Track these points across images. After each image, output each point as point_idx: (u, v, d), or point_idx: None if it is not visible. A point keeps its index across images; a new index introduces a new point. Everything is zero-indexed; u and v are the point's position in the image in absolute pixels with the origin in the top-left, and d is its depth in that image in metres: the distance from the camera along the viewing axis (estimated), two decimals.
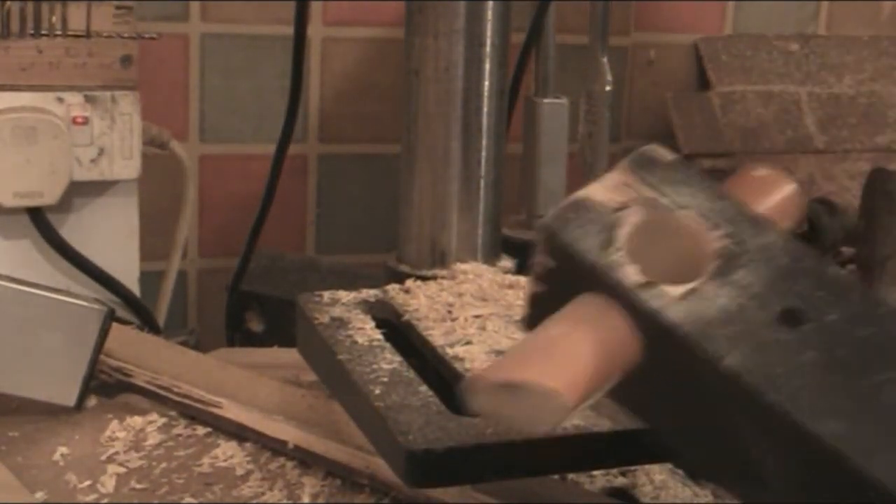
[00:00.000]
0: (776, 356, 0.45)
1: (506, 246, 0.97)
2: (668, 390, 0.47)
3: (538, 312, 0.49)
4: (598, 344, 0.46)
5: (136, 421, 0.81)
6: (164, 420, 0.81)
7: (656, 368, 0.46)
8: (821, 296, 0.47)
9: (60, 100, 0.97)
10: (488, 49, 0.90)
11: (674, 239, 0.50)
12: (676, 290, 0.47)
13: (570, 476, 0.74)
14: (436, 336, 0.72)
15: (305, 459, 0.76)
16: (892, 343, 0.46)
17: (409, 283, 0.80)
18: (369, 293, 0.79)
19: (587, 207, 0.50)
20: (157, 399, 0.83)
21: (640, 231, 0.49)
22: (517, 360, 0.46)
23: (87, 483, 0.73)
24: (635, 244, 0.49)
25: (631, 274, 0.47)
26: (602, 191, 0.50)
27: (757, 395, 0.44)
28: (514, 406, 0.45)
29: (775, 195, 0.53)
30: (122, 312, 1.00)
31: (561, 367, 0.45)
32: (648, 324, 0.46)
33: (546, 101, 1.13)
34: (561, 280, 0.49)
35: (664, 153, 0.52)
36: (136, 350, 0.86)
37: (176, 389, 0.82)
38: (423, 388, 0.65)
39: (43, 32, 0.97)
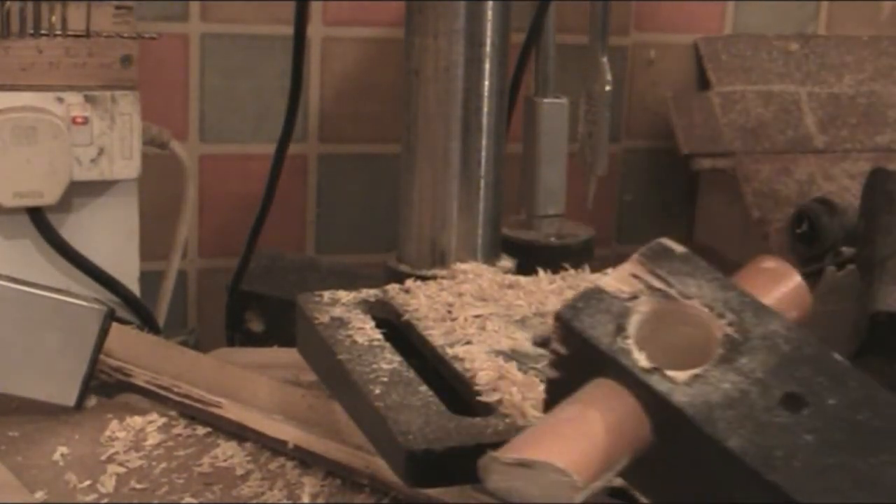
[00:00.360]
0: (777, 438, 0.47)
1: (506, 246, 0.97)
2: (675, 470, 0.50)
3: (554, 397, 0.52)
4: (608, 426, 0.48)
5: (136, 421, 0.81)
6: (164, 420, 0.82)
7: (664, 449, 0.49)
8: (821, 382, 0.49)
9: (60, 100, 0.97)
10: (488, 49, 0.90)
11: (681, 327, 0.53)
12: (683, 375, 0.50)
13: None
14: (436, 336, 0.72)
15: (305, 459, 0.76)
16: (889, 427, 0.48)
17: (409, 283, 0.80)
18: (369, 293, 0.79)
19: (599, 297, 0.53)
20: (157, 399, 0.83)
21: (649, 320, 0.53)
22: (530, 440, 0.48)
23: (87, 483, 0.73)
24: (644, 332, 0.52)
25: (640, 360, 0.50)
26: (613, 282, 0.54)
27: (757, 475, 0.46)
28: (526, 484, 0.47)
29: (781, 287, 0.57)
30: (122, 312, 1.00)
31: (572, 448, 0.47)
32: (656, 407, 0.49)
33: (546, 101, 1.13)
34: (575, 366, 0.53)
35: (674, 247, 0.56)
36: (136, 350, 0.86)
37: (176, 389, 0.82)
38: (423, 388, 0.65)
39: (43, 32, 0.97)
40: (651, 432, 0.49)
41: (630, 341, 0.51)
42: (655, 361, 0.50)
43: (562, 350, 0.53)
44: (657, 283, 0.54)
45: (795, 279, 0.58)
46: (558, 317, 0.53)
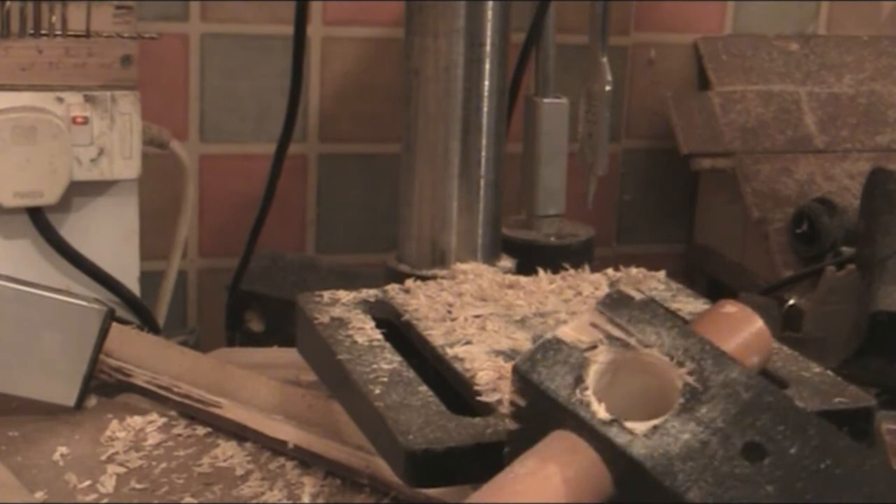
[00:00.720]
0: (737, 490, 0.47)
1: (506, 246, 0.97)
2: None
3: (514, 450, 0.53)
4: (567, 479, 0.48)
5: (136, 421, 0.81)
6: (164, 420, 0.82)
7: (624, 501, 0.49)
8: (781, 430, 0.49)
9: (60, 100, 0.97)
10: (488, 49, 0.90)
11: (640, 377, 0.53)
12: (642, 426, 0.50)
13: None
14: (436, 336, 0.72)
15: (305, 459, 0.76)
16: (850, 475, 0.48)
17: (409, 283, 0.80)
18: (369, 293, 0.79)
19: (557, 348, 0.53)
20: (157, 399, 0.83)
21: (607, 370, 0.53)
22: (488, 496, 0.48)
23: (87, 483, 0.73)
24: (603, 383, 0.52)
25: (599, 412, 0.50)
26: (572, 332, 0.54)
27: None
28: None
29: (743, 332, 0.57)
30: (122, 312, 1.00)
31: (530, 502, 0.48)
32: (616, 460, 0.49)
33: (546, 100, 1.13)
34: (534, 418, 0.53)
35: (633, 294, 0.56)
36: (136, 350, 0.86)
37: (176, 389, 0.82)
38: (423, 388, 0.65)
39: (43, 32, 0.97)
40: (611, 484, 0.49)
41: (588, 393, 0.51)
42: (615, 412, 0.50)
43: (520, 402, 0.53)
44: (616, 333, 0.54)
45: (757, 324, 0.57)
46: (516, 369, 0.53)
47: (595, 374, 0.52)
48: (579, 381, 0.52)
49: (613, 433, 0.49)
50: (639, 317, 0.55)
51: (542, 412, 0.52)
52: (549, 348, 0.53)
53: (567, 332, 0.54)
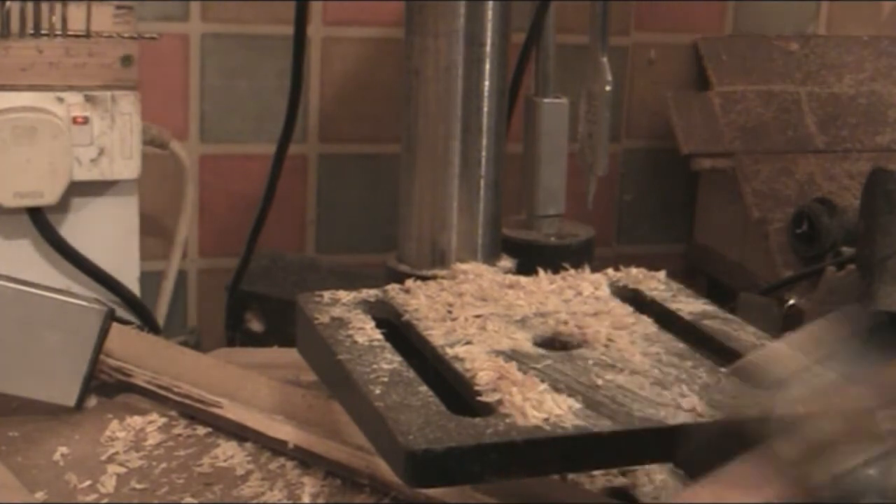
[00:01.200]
0: None
1: (506, 246, 0.97)
2: None
3: (699, 471, 0.53)
4: None
5: (136, 421, 0.81)
6: (164, 420, 0.82)
7: None
8: None
9: (60, 100, 0.97)
10: (488, 49, 0.90)
11: (839, 414, 0.52)
12: (838, 465, 0.50)
13: (570, 476, 0.74)
14: (436, 336, 0.72)
15: (305, 459, 0.76)
16: None
17: (409, 283, 0.80)
18: (369, 293, 0.79)
19: (759, 374, 0.54)
20: (157, 399, 0.83)
21: (807, 402, 0.52)
22: None
23: (87, 483, 0.73)
24: (802, 413, 0.52)
25: (793, 444, 0.50)
26: (775, 359, 0.55)
27: None
28: None
29: None
30: (122, 312, 1.00)
31: None
32: (808, 496, 0.49)
33: (546, 100, 1.12)
34: (723, 440, 0.53)
35: (847, 325, 0.57)
36: (136, 350, 0.86)
37: (176, 389, 0.82)
38: (423, 388, 0.65)
39: (43, 32, 0.97)
40: None
41: (786, 421, 0.51)
42: (811, 445, 0.50)
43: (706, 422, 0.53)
44: (820, 366, 0.54)
45: None
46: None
47: (795, 403, 0.52)
48: (777, 408, 0.52)
49: (807, 468, 0.49)
50: (847, 352, 0.55)
51: (733, 434, 0.52)
52: (751, 372, 0.54)
53: (770, 359, 0.55)
